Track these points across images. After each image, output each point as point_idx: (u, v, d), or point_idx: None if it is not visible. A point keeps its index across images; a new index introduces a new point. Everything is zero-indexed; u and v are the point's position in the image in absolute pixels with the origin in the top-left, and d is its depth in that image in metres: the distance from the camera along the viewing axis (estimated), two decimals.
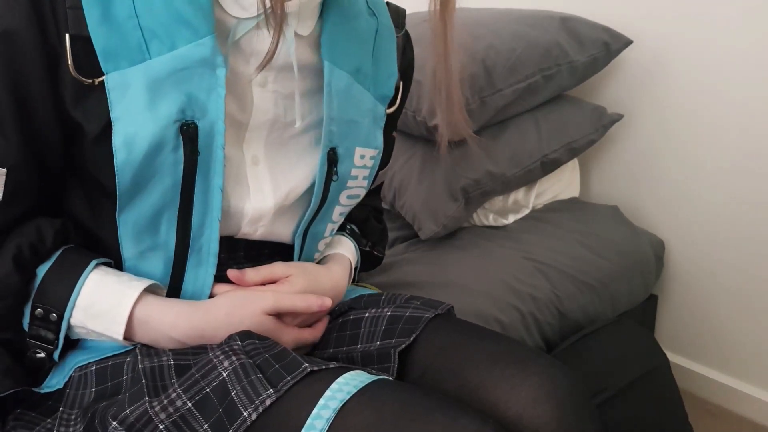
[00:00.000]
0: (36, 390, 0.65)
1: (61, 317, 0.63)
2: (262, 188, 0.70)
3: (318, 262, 0.82)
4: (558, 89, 1.39)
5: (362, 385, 0.57)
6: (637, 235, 1.42)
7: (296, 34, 0.69)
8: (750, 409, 1.43)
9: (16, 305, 0.63)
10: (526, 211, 1.43)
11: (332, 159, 0.72)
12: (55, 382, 0.65)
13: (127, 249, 0.66)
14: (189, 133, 0.62)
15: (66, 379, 0.65)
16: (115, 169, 0.61)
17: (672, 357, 1.51)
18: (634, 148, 1.50)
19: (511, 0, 1.55)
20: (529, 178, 1.35)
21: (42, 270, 0.63)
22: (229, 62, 0.65)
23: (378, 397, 0.56)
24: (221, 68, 0.63)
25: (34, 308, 0.63)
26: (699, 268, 1.45)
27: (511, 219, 1.40)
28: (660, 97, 1.43)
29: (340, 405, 0.55)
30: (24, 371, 0.65)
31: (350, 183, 0.76)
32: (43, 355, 0.64)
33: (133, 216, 0.64)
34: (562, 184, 1.49)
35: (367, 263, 0.96)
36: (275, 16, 0.62)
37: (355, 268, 0.88)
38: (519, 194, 1.41)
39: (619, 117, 1.44)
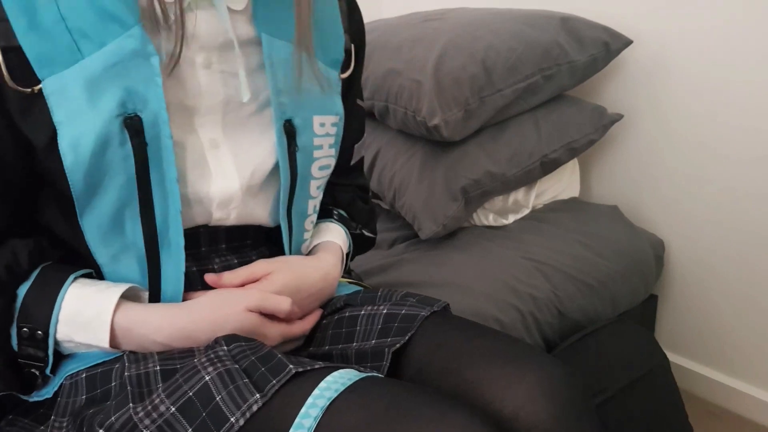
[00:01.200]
0: (26, 398, 0.65)
1: (46, 334, 0.63)
2: (225, 170, 0.70)
3: (309, 253, 0.82)
4: (558, 89, 1.39)
5: (350, 382, 0.57)
6: (637, 235, 1.42)
7: (230, 10, 0.68)
8: (750, 409, 1.43)
9: (1, 328, 0.63)
10: (526, 211, 1.43)
11: (290, 131, 0.72)
12: (45, 391, 0.65)
13: (100, 254, 0.66)
14: (134, 126, 0.61)
15: (56, 387, 0.65)
16: (66, 171, 0.61)
17: (672, 357, 1.50)
18: (634, 148, 1.50)
19: (511, 0, 1.55)
20: (529, 178, 1.35)
21: (22, 290, 0.63)
22: (165, 48, 0.64)
23: (367, 394, 0.56)
24: (154, 56, 0.62)
25: (19, 328, 0.63)
26: (699, 268, 1.45)
27: (511, 219, 1.40)
28: (660, 97, 1.43)
29: (328, 403, 0.54)
30: (16, 377, 0.65)
31: (317, 153, 0.75)
32: (37, 372, 0.65)
33: (95, 218, 0.64)
34: (562, 184, 1.49)
35: (360, 246, 0.95)
36: None
37: (348, 254, 0.87)
38: (519, 194, 1.40)
39: (619, 117, 1.44)
